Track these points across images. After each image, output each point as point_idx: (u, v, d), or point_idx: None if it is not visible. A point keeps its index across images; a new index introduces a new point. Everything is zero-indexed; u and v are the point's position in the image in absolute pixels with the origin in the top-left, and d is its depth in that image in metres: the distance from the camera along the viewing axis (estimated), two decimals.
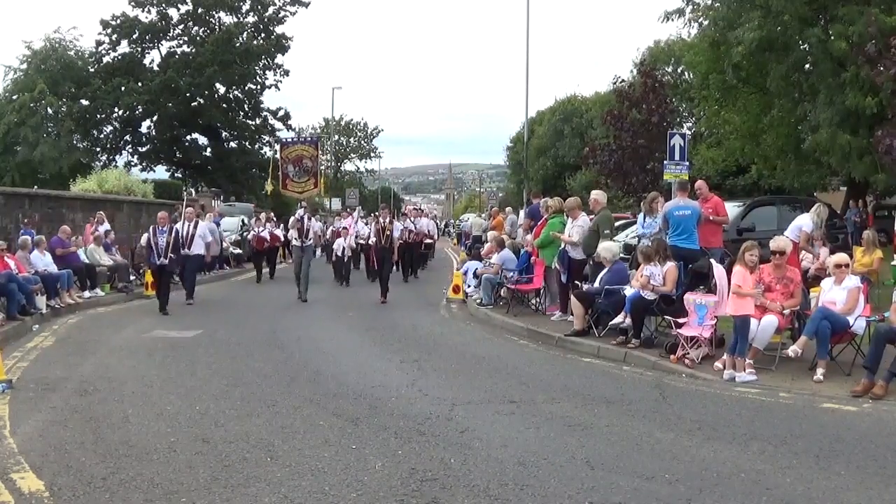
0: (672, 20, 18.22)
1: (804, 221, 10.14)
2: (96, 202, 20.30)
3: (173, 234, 12.60)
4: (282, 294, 15.10)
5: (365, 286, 16.89)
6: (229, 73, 37.36)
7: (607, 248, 9.84)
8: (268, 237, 19.23)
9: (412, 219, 20.42)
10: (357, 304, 13.81)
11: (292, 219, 15.15)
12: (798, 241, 9.82)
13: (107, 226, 16.44)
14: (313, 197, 17.40)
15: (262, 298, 14.84)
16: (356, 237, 18.45)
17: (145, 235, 13.28)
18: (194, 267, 14.37)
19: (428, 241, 21.95)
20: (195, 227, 14.21)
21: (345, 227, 19.38)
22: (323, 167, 47.04)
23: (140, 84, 36.46)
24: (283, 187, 16.20)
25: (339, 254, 18.07)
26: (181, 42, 38.66)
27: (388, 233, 14.43)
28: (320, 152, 17.19)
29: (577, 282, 10.69)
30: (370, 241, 14.72)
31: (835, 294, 7.57)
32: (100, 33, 36.66)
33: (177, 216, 20.79)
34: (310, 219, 14.80)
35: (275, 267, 20.04)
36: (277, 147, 17.02)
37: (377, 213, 16.83)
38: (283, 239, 20.14)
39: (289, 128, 42.62)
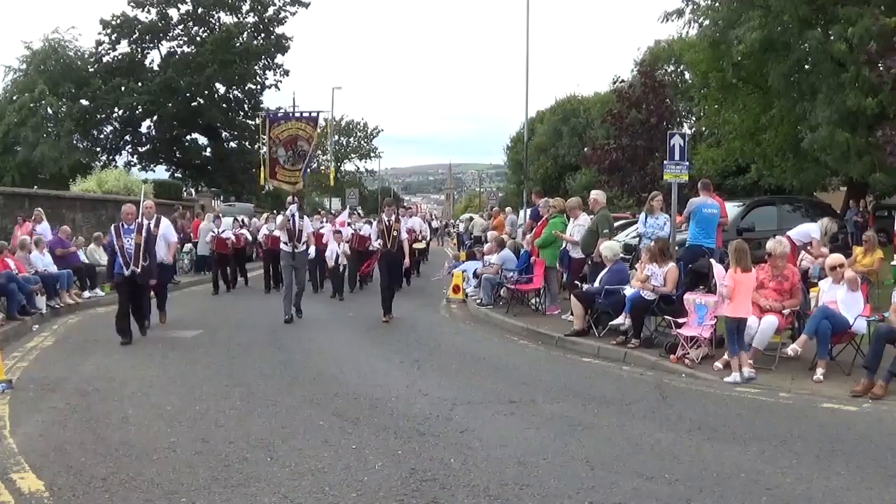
0: (672, 20, 18.22)
1: (812, 228, 10.09)
2: (96, 202, 20.34)
3: (144, 234, 9.52)
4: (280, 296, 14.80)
5: (351, 298, 14.73)
6: (229, 73, 37.37)
7: (609, 247, 9.86)
8: (232, 237, 16.29)
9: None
10: (356, 306, 13.80)
11: (280, 218, 12.23)
12: (799, 243, 9.83)
13: (45, 225, 14.25)
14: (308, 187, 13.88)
15: (262, 299, 14.82)
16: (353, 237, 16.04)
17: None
18: (168, 277, 11.99)
19: (417, 244, 18.60)
20: (157, 225, 10.57)
21: (338, 231, 16.22)
22: (322, 167, 46.99)
23: (140, 84, 36.47)
24: (270, 176, 12.67)
25: (334, 262, 15.09)
26: (181, 42, 38.68)
27: (395, 233, 11.72)
28: (319, 131, 13.04)
29: (576, 282, 10.72)
30: (376, 244, 11.86)
31: (834, 293, 7.57)
32: (99, 33, 36.71)
33: (176, 217, 20.46)
34: (302, 217, 11.98)
35: (246, 273, 17.29)
36: (265, 124, 12.92)
37: (362, 212, 15.12)
38: (249, 240, 17.70)
39: None
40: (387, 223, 11.82)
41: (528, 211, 16.23)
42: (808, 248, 9.97)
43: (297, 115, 13.43)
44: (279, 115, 13.59)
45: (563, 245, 11.36)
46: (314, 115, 13.07)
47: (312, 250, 12.48)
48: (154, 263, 9.92)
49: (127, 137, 38.97)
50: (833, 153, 15.04)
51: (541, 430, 5.67)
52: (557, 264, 11.60)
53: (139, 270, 9.50)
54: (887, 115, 13.51)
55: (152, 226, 10.23)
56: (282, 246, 11.88)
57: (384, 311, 11.51)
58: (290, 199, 12.47)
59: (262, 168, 13.00)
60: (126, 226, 9.60)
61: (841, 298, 7.51)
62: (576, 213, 11.29)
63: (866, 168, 14.84)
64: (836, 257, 7.99)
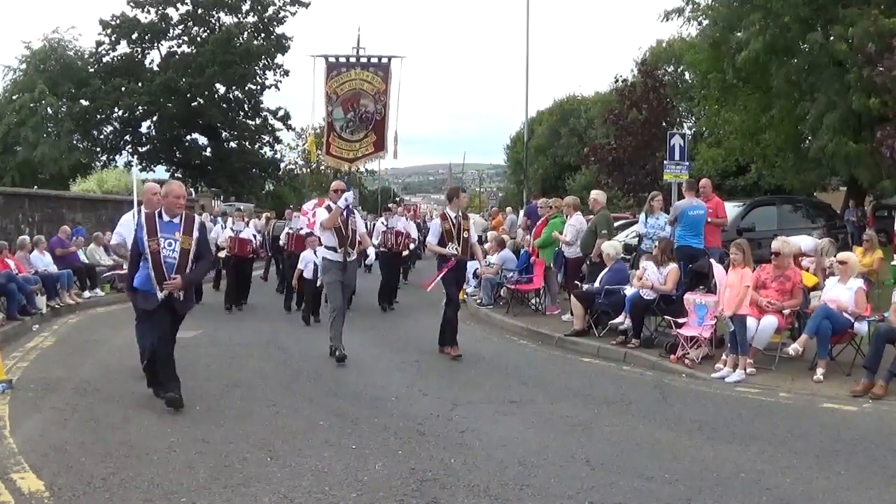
0: (672, 19, 18.24)
1: (805, 242, 10.01)
2: (96, 202, 20.33)
3: (196, 233, 6.07)
4: (280, 296, 14.24)
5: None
6: (229, 74, 37.35)
7: (612, 246, 9.88)
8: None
9: (384, 219, 14.14)
10: (356, 307, 13.77)
11: (321, 212, 8.50)
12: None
13: None
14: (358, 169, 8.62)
15: (262, 300, 14.79)
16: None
17: (115, 236, 7.57)
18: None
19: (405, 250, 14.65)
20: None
21: (311, 234, 11.13)
22: (322, 167, 46.61)
23: (140, 84, 36.47)
24: (326, 152, 9.30)
25: (309, 275, 11.26)
26: (181, 42, 38.69)
27: (466, 235, 8.61)
28: (390, 85, 8.83)
29: (576, 282, 10.73)
30: (453, 251, 8.48)
31: (836, 292, 7.57)
32: (99, 34, 36.71)
33: (199, 210, 17.68)
34: (353, 212, 8.38)
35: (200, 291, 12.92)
36: (321, 72, 8.61)
37: (405, 205, 12.60)
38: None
39: (289, 128, 42.64)
40: (454, 221, 8.58)
41: (525, 209, 16.29)
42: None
43: (365, 60, 8.97)
44: (342, 62, 8.85)
45: (559, 245, 11.39)
46: (384, 60, 8.91)
47: (372, 254, 9.30)
48: (195, 277, 6.35)
49: (127, 137, 38.96)
50: (840, 163, 15.10)
51: (541, 430, 5.67)
52: (552, 264, 11.62)
53: (181, 296, 6.07)
54: (888, 117, 13.51)
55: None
56: (324, 253, 8.41)
57: (451, 343, 8.66)
58: (338, 184, 8.68)
59: (310, 143, 9.05)
60: (167, 219, 5.99)
61: (845, 298, 7.49)
62: (570, 213, 11.31)
63: (874, 174, 14.87)
64: (847, 254, 8.02)
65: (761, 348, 7.66)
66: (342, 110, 8.89)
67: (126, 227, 7.15)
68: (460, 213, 8.70)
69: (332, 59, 9.01)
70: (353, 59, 9.03)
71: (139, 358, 6.67)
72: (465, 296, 14.01)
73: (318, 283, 10.83)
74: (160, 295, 5.91)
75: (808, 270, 8.93)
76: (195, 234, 6.07)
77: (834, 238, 11.07)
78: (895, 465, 4.90)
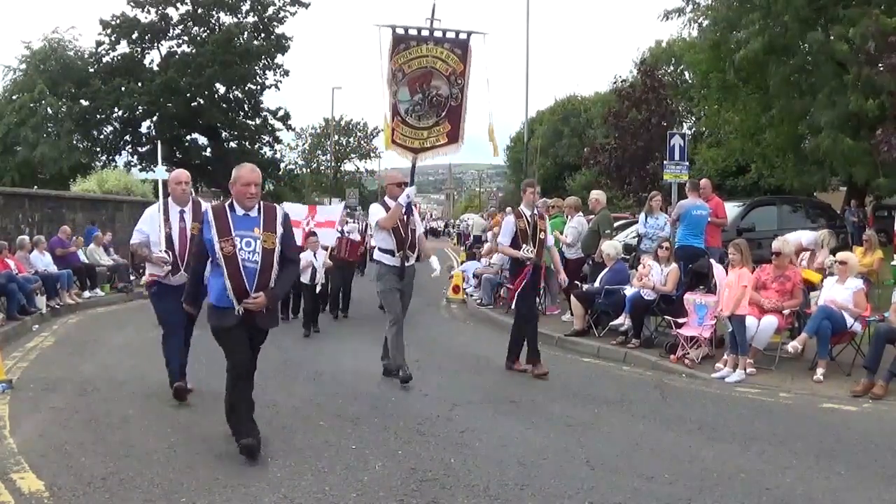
0: (672, 19, 18.26)
1: (804, 235, 10.02)
2: (96, 202, 20.32)
3: (280, 229, 4.83)
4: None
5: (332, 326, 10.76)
6: (229, 74, 37.34)
7: (612, 246, 9.89)
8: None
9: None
10: (356, 308, 13.76)
11: (376, 210, 7.41)
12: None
13: None
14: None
15: None
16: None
17: (136, 234, 6.33)
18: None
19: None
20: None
21: (313, 234, 10.98)
22: (322, 167, 46.52)
23: (140, 84, 36.46)
24: (391, 141, 7.54)
25: (308, 280, 10.39)
26: (181, 42, 38.68)
27: (542, 236, 7.70)
28: (470, 66, 7.56)
29: (576, 282, 10.73)
30: (528, 255, 7.49)
31: (835, 292, 7.57)
32: (99, 33, 36.68)
33: None
34: (412, 210, 7.36)
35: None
36: (385, 48, 7.40)
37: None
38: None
39: (289, 128, 42.67)
40: (528, 219, 7.57)
41: None
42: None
43: (439, 34, 7.59)
44: (412, 34, 7.57)
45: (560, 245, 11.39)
46: (462, 36, 7.56)
47: (437, 266, 7.89)
48: (282, 291, 5.05)
49: (127, 137, 38.94)
50: (836, 160, 15.10)
51: (541, 430, 5.67)
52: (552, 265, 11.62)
53: (266, 309, 4.85)
54: (887, 117, 13.51)
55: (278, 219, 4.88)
56: (379, 257, 7.29)
57: (533, 357, 7.62)
58: (397, 176, 7.62)
59: (384, 124, 7.62)
60: (241, 211, 4.80)
61: (844, 298, 7.49)
62: (571, 214, 11.32)
63: (870, 173, 14.87)
64: (846, 255, 8.03)
65: (761, 348, 7.68)
66: (408, 91, 7.44)
67: (148, 224, 6.31)
68: (536, 211, 7.64)
69: (399, 31, 7.56)
70: (424, 32, 7.62)
71: (168, 378, 6.39)
72: (465, 296, 14.03)
73: (318, 290, 10.71)
74: (238, 309, 4.73)
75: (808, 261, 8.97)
76: (279, 229, 4.77)
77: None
78: (895, 465, 4.90)
